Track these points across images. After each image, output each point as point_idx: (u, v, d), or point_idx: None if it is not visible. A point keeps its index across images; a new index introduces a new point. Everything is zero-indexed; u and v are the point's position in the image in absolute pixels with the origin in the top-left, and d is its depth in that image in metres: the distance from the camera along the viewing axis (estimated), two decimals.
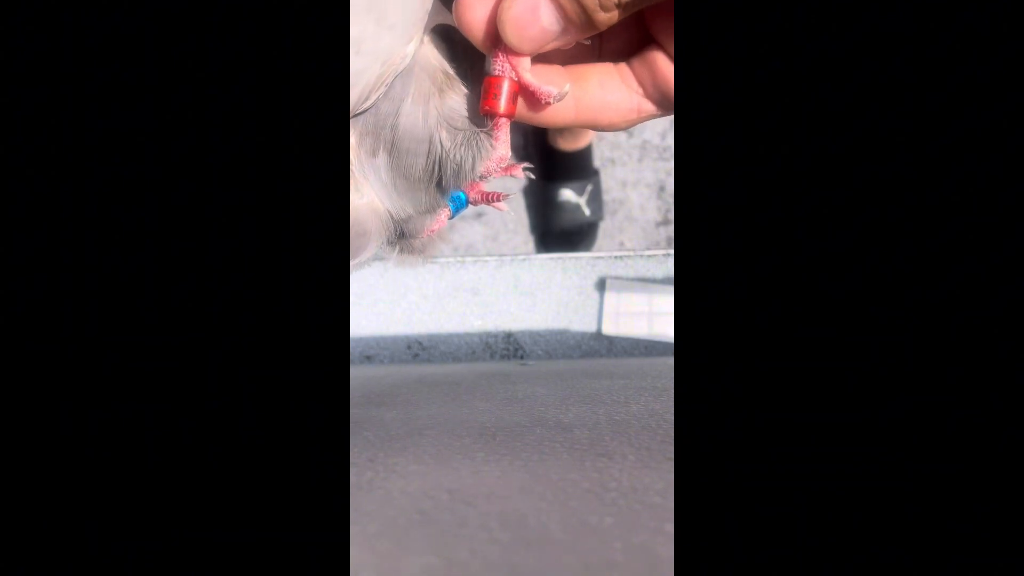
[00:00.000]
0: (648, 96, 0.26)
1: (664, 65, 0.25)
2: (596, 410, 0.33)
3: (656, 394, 0.37)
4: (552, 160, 1.17)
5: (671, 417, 0.31)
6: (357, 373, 0.55)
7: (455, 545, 0.19)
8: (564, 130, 1.13)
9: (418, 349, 0.64)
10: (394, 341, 0.64)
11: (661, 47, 0.25)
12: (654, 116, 0.27)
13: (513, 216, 1.25)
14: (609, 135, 1.25)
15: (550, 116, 0.27)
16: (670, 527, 0.19)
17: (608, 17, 0.22)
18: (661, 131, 1.25)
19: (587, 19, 0.22)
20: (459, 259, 0.65)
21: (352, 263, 0.28)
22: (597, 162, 1.23)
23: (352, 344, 0.63)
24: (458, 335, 0.64)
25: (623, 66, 0.26)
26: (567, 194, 1.17)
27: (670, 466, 0.24)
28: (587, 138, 1.17)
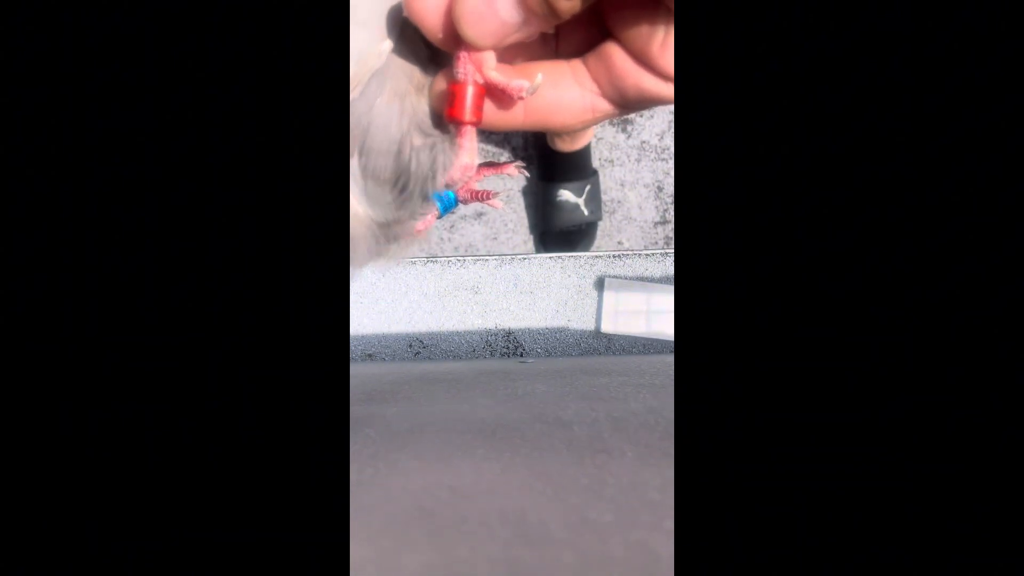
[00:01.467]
0: (604, 94, 0.25)
1: (620, 60, 0.23)
2: (595, 407, 0.33)
3: (654, 391, 0.37)
4: (551, 160, 1.18)
5: (669, 414, 0.31)
6: (359, 371, 0.55)
7: (455, 542, 0.19)
8: (563, 131, 1.13)
9: (419, 347, 0.64)
10: (395, 339, 0.64)
11: (618, 41, 0.23)
12: (610, 116, 0.25)
13: (513, 216, 1.25)
14: (608, 135, 1.25)
15: (496, 120, 0.25)
16: (669, 524, 0.19)
17: (571, 5, 0.21)
18: (659, 132, 1.25)
19: (549, 8, 0.21)
20: (459, 258, 0.65)
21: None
22: (596, 162, 1.23)
23: (354, 342, 0.63)
24: (459, 333, 0.64)
25: (576, 63, 0.25)
26: (566, 194, 1.17)
27: (669, 462, 0.24)
28: (586, 139, 1.17)
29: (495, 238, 1.25)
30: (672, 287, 0.65)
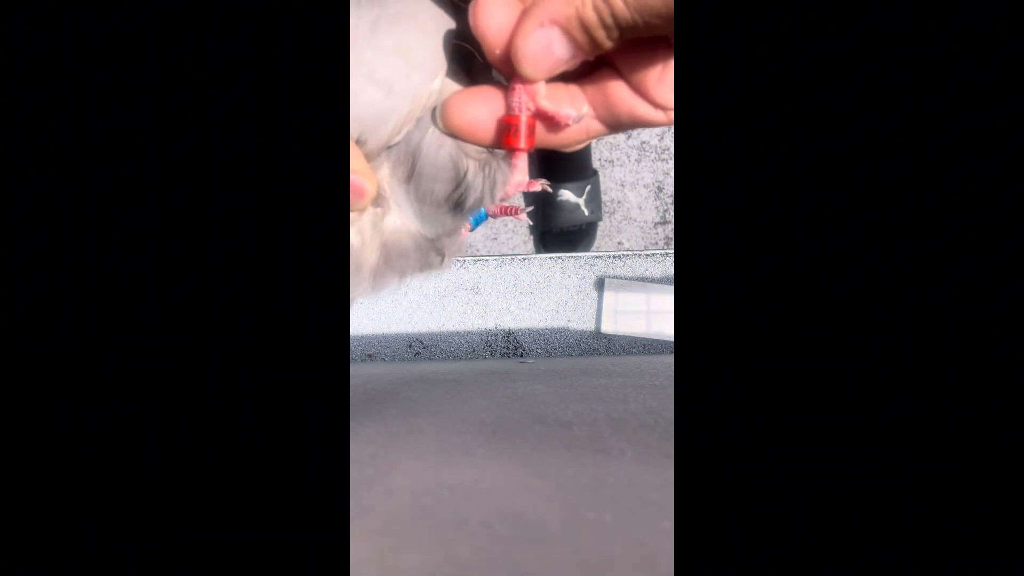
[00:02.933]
0: (598, 117, 0.27)
1: (617, 88, 0.26)
2: (595, 407, 0.33)
3: (654, 392, 0.37)
4: (551, 161, 1.18)
5: (669, 414, 0.31)
6: (359, 371, 0.55)
7: (455, 541, 0.19)
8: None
9: (419, 347, 0.64)
10: (395, 339, 0.64)
11: (616, 70, 0.26)
12: (601, 135, 0.28)
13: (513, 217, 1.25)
14: (608, 135, 1.25)
15: (488, 144, 0.28)
16: (669, 523, 0.19)
17: (611, 42, 0.24)
18: (659, 132, 1.25)
19: (594, 45, 0.24)
20: (459, 259, 0.65)
21: (399, 281, 0.31)
22: (596, 162, 1.23)
23: (354, 343, 0.63)
24: (459, 334, 0.64)
25: (574, 88, 0.27)
26: (566, 194, 1.17)
27: (668, 463, 0.24)
28: None
29: (495, 238, 1.25)
30: (672, 287, 0.65)
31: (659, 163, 1.25)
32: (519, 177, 0.29)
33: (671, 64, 0.25)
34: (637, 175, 1.25)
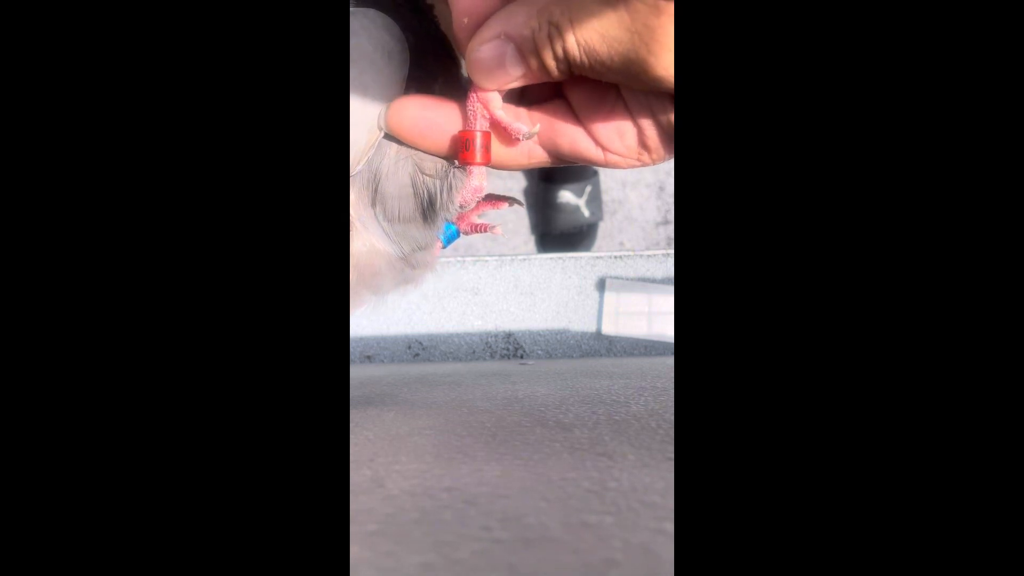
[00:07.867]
0: (542, 143, 0.28)
1: (563, 119, 0.27)
2: (596, 410, 0.33)
3: (656, 394, 0.37)
4: None
5: (671, 417, 0.31)
6: (357, 373, 0.55)
7: (455, 544, 0.19)
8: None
9: (418, 349, 0.64)
10: (394, 341, 0.64)
11: (567, 102, 0.27)
12: (543, 164, 0.29)
13: (513, 217, 1.25)
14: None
15: (437, 148, 0.28)
16: (670, 526, 0.19)
17: (561, 74, 0.24)
18: None
19: (544, 70, 0.24)
20: (459, 259, 0.65)
21: (374, 299, 0.33)
22: None
23: (352, 344, 0.63)
24: (458, 335, 0.64)
25: (522, 111, 0.28)
26: (566, 196, 1.17)
27: (670, 466, 0.24)
28: None
29: (495, 239, 1.25)
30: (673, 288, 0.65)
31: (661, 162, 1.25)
32: (476, 183, 0.30)
33: (618, 109, 0.26)
34: (639, 174, 1.25)
